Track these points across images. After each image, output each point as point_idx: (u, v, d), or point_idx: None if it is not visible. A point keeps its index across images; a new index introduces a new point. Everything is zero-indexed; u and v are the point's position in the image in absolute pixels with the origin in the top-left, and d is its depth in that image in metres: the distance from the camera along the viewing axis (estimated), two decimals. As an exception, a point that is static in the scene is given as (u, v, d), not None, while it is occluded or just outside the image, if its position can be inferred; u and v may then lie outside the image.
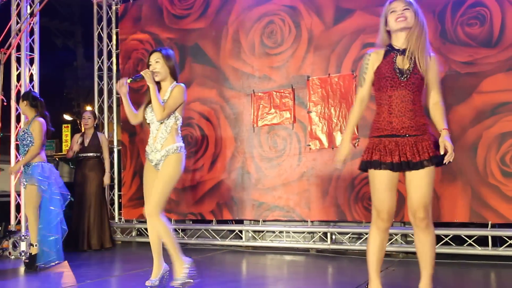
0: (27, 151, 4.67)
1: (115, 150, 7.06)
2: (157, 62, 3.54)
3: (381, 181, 2.73)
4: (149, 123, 3.59)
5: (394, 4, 2.79)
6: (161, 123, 3.50)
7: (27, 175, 4.68)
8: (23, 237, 5.36)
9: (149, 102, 3.54)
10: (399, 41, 2.78)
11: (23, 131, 4.75)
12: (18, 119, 5.71)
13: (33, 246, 4.63)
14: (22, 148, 4.74)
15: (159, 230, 3.40)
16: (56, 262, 4.63)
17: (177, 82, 3.60)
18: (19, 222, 5.57)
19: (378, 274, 2.86)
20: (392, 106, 2.72)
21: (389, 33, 2.83)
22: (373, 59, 2.81)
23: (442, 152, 2.65)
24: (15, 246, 5.44)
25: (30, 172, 4.65)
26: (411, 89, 2.70)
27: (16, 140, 5.69)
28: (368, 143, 2.82)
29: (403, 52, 2.75)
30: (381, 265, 2.87)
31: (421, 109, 2.75)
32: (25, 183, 4.70)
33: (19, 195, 5.60)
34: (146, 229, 6.37)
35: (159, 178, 3.45)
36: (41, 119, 4.73)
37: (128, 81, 3.53)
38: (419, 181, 2.70)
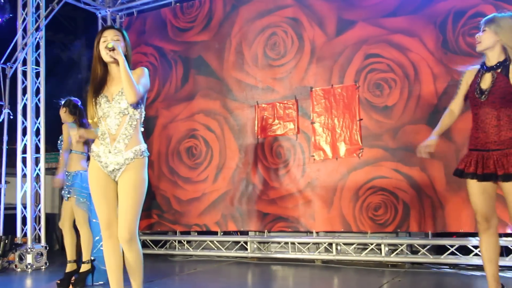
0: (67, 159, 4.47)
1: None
2: (117, 41, 2.85)
3: (472, 187, 2.94)
4: (100, 118, 2.86)
5: (481, 25, 2.92)
6: (124, 114, 2.82)
7: (67, 186, 4.40)
8: (29, 250, 5.38)
9: (100, 88, 2.86)
10: (489, 59, 2.92)
11: (60, 140, 4.64)
12: (24, 133, 5.76)
13: (84, 263, 4.29)
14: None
15: (137, 255, 2.81)
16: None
17: None
18: (25, 235, 5.60)
19: (494, 277, 2.94)
20: (478, 123, 2.90)
21: None
22: (467, 76, 2.99)
23: None
24: (21, 259, 5.46)
25: (71, 182, 4.38)
26: (493, 106, 2.83)
27: (23, 153, 5.74)
28: (466, 153, 3.02)
29: (490, 69, 2.87)
30: (496, 268, 2.96)
31: (510, 123, 2.82)
32: (68, 196, 4.40)
33: (25, 207, 5.64)
34: (151, 241, 6.38)
35: (127, 192, 2.77)
36: (70, 124, 4.41)
37: (109, 45, 2.80)
38: (506, 193, 2.86)
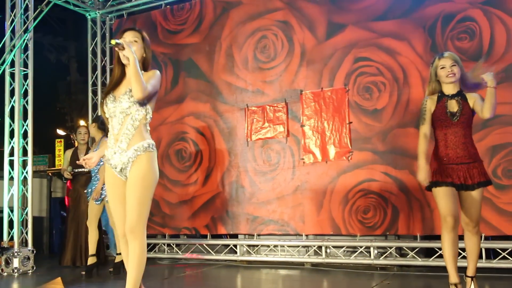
0: (98, 169, 5.05)
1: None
2: (135, 41, 2.89)
3: (443, 193, 3.31)
4: (108, 118, 2.89)
5: (443, 61, 3.40)
6: (127, 114, 2.82)
7: (92, 188, 5.06)
8: (16, 254, 5.31)
9: (111, 89, 2.90)
10: (449, 89, 3.41)
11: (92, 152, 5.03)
12: (11, 135, 5.69)
13: (117, 255, 5.10)
14: (94, 168, 5.09)
15: (139, 250, 2.71)
16: None
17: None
18: (11, 239, 5.53)
19: (454, 268, 3.32)
20: (447, 141, 3.36)
21: (438, 82, 3.45)
22: (429, 103, 3.44)
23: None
24: (7, 262, 5.39)
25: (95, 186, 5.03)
26: (462, 126, 3.34)
27: (10, 156, 5.68)
28: (430, 168, 3.39)
29: (452, 97, 3.38)
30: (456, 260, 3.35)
31: (472, 140, 3.38)
32: (100, 198, 5.02)
33: (11, 211, 5.57)
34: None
35: (132, 186, 2.75)
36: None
37: (113, 42, 2.81)
38: (471, 200, 3.33)
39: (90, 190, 5.14)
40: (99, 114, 5.09)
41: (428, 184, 3.38)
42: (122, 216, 2.85)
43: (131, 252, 2.73)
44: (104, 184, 4.88)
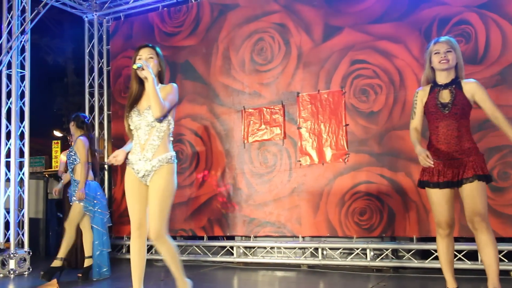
0: (72, 168, 4.95)
1: (106, 166, 7.05)
2: (150, 58, 3.19)
3: (436, 198, 3.16)
4: (132, 130, 3.20)
5: (438, 45, 3.16)
6: (152, 127, 3.13)
7: (75, 192, 4.88)
8: (12, 255, 5.30)
9: (134, 103, 3.20)
10: (442, 78, 3.19)
11: (69, 151, 5.05)
12: (8, 136, 5.69)
13: (87, 259, 4.94)
14: (69, 167, 5.04)
15: (168, 252, 3.12)
16: (108, 275, 4.96)
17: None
18: (8, 240, 5.52)
19: (450, 274, 3.23)
20: (439, 135, 3.14)
21: (433, 69, 3.23)
22: (421, 95, 3.25)
23: None
24: (3, 264, 5.38)
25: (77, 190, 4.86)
26: (455, 118, 3.10)
27: (7, 157, 5.68)
28: (423, 167, 3.19)
29: (445, 86, 3.16)
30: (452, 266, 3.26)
31: (468, 133, 3.15)
32: (73, 200, 4.90)
33: (8, 212, 5.57)
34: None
35: (154, 195, 3.09)
36: (83, 138, 4.95)
37: (134, 67, 3.15)
38: (469, 194, 3.08)
39: (71, 192, 4.97)
40: (77, 113, 5.15)
41: (419, 182, 3.26)
42: (136, 211, 3.17)
43: (165, 254, 3.13)
44: (76, 187, 4.86)
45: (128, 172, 3.21)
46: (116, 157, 3.23)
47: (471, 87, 3.13)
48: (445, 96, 3.14)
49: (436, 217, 3.19)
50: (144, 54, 3.20)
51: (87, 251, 4.99)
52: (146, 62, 3.13)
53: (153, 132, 3.13)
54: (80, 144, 4.91)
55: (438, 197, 3.15)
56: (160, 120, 3.13)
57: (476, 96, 3.12)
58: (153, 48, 3.24)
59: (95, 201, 4.91)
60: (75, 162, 4.94)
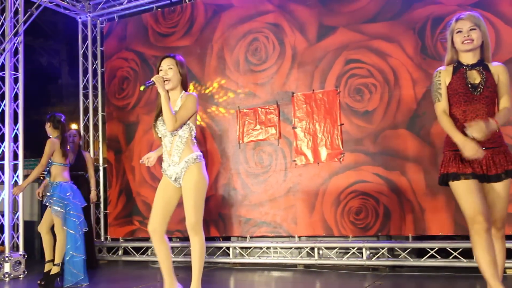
0: (48, 170, 4.79)
1: (101, 168, 7.02)
2: (170, 69, 3.34)
3: (466, 189, 2.68)
4: (161, 137, 3.41)
5: (460, 23, 2.81)
6: (175, 135, 3.32)
7: (49, 196, 4.71)
8: (7, 258, 5.28)
9: (160, 113, 3.35)
10: (468, 58, 2.83)
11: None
12: (2, 139, 5.66)
13: (54, 266, 4.66)
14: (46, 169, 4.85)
15: (200, 243, 3.29)
16: (85, 284, 4.62)
17: (186, 92, 3.43)
18: (2, 243, 5.49)
19: (496, 278, 2.61)
20: (467, 121, 2.71)
21: (455, 50, 2.87)
22: (443, 75, 2.84)
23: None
24: (-2, 267, 5.35)
25: (51, 192, 4.69)
26: (485, 102, 2.74)
27: (1, 160, 5.64)
28: (443, 158, 2.83)
29: (472, 67, 2.79)
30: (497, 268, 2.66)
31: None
32: (48, 202, 4.71)
33: (2, 215, 5.54)
34: (132, 247, 6.32)
35: (187, 192, 3.26)
36: (53, 139, 4.79)
37: (141, 88, 3.32)
38: (496, 194, 2.73)
39: (48, 195, 4.73)
40: (53, 113, 4.98)
41: (441, 177, 2.79)
42: (158, 214, 3.37)
43: (193, 245, 3.29)
44: (50, 190, 4.71)
45: (163, 179, 3.45)
46: (149, 159, 3.51)
47: (497, 69, 2.81)
48: (475, 76, 2.77)
49: (470, 211, 2.64)
50: (165, 65, 3.36)
51: (48, 256, 4.74)
52: (159, 78, 3.29)
53: (176, 139, 3.33)
54: (46, 144, 4.73)
55: (467, 187, 2.67)
56: (180, 127, 3.31)
57: (500, 77, 2.80)
58: (173, 58, 3.39)
59: (65, 202, 4.62)
60: (49, 165, 4.76)
